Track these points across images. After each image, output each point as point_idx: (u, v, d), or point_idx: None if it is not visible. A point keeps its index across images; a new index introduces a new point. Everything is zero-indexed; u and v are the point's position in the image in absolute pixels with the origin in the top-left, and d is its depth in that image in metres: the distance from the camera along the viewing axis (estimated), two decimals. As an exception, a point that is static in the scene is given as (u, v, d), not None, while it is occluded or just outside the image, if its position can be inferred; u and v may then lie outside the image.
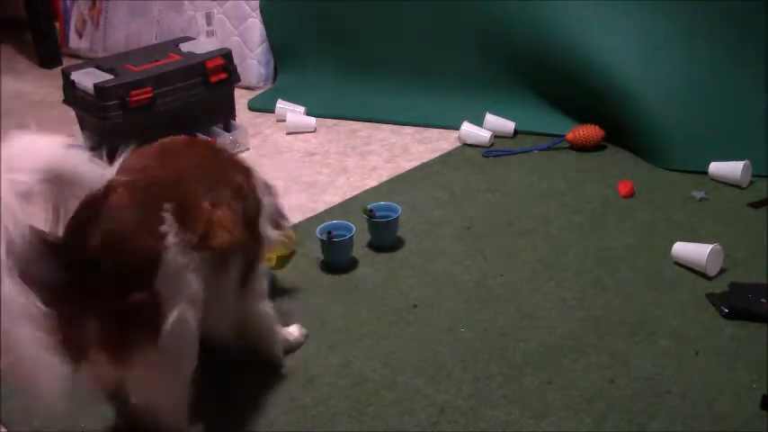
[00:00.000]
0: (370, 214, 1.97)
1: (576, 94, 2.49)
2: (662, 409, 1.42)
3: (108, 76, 2.37)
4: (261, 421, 1.44)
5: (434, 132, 2.64)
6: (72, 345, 1.15)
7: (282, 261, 1.92)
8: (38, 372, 1.08)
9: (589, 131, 2.42)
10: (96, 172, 1.17)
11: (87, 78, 2.38)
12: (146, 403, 1.35)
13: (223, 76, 2.54)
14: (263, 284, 1.53)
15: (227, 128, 2.59)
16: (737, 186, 2.18)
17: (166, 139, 1.46)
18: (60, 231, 1.18)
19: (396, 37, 2.82)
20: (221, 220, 1.33)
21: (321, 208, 2.20)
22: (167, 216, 1.24)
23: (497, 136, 2.55)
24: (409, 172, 2.39)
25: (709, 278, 1.79)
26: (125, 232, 1.20)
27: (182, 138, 1.67)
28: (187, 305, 1.27)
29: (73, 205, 1.18)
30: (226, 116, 2.62)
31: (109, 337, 1.19)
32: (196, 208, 1.30)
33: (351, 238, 1.89)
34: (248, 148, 2.59)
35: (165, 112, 2.41)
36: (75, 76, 2.43)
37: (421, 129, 2.67)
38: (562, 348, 1.59)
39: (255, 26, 3.07)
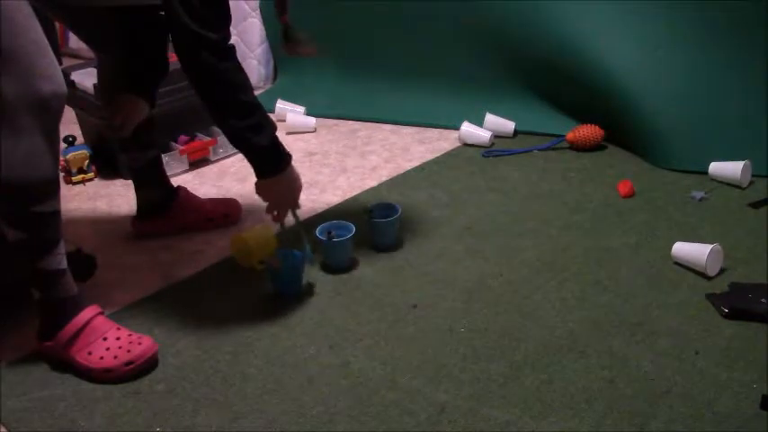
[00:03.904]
0: (370, 214, 1.97)
1: (576, 94, 2.49)
2: (662, 409, 1.42)
3: (108, 77, 2.37)
4: (260, 421, 1.44)
5: (434, 132, 2.65)
6: None
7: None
8: None
9: (589, 131, 2.43)
10: None
11: (87, 78, 2.38)
12: None
13: (223, 76, 2.54)
14: None
15: (227, 128, 2.59)
16: (737, 186, 2.18)
17: None
18: None
19: (396, 37, 2.82)
20: None
21: (321, 208, 2.20)
22: None
23: (497, 136, 2.55)
24: (409, 172, 2.39)
25: (709, 278, 1.79)
26: None
27: None
28: None
29: None
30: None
31: None
32: None
33: (351, 238, 1.89)
34: (248, 148, 2.59)
35: (165, 111, 2.40)
36: (75, 76, 2.43)
37: (421, 129, 2.68)
38: (562, 348, 1.59)
39: (255, 26, 3.07)
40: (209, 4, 1.56)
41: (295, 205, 1.84)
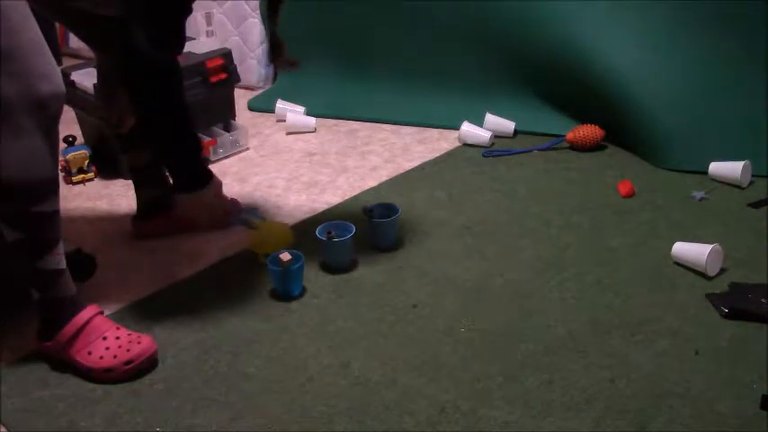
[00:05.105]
0: (370, 214, 1.97)
1: (576, 94, 2.49)
2: (662, 409, 1.42)
3: (108, 76, 2.37)
4: (260, 421, 1.44)
5: (434, 132, 2.64)
6: None
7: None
8: None
9: (589, 131, 2.43)
10: None
11: (87, 78, 2.38)
12: None
13: (223, 76, 2.54)
14: None
15: (227, 128, 2.59)
16: (737, 186, 2.18)
17: None
18: None
19: (396, 37, 2.82)
20: None
21: (321, 208, 2.20)
22: None
23: (497, 136, 2.55)
24: (409, 172, 2.39)
25: (709, 278, 1.79)
26: None
27: None
28: None
29: None
30: (226, 116, 2.62)
31: None
32: None
33: (351, 238, 1.89)
34: (248, 148, 2.59)
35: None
36: (75, 76, 2.44)
37: (421, 129, 2.68)
38: (562, 348, 1.59)
39: (255, 26, 3.07)
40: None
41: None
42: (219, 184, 2.02)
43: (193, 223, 2.04)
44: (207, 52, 2.55)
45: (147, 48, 1.70)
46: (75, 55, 3.43)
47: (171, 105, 1.85)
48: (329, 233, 1.89)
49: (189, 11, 1.76)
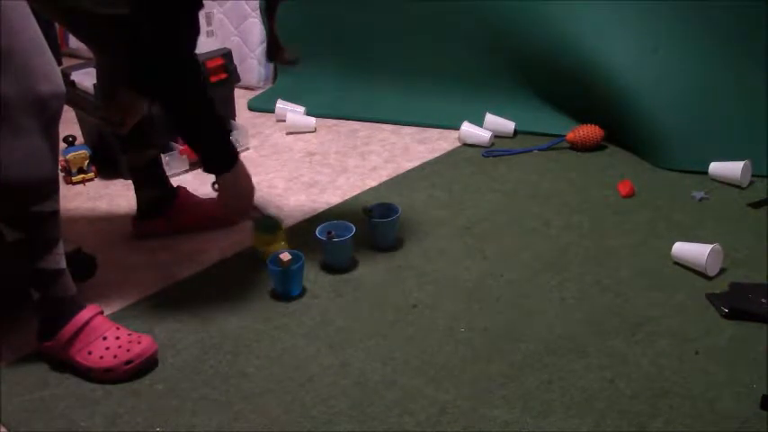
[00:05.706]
0: (370, 214, 1.97)
1: (575, 94, 2.49)
2: (662, 409, 1.42)
3: (108, 76, 2.37)
4: (260, 421, 1.44)
5: (434, 132, 2.64)
6: None
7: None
8: None
9: (589, 131, 2.43)
10: None
11: (87, 78, 2.38)
12: None
13: (223, 76, 2.54)
14: None
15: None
16: (737, 186, 2.18)
17: None
18: None
19: (396, 37, 2.82)
20: None
21: (321, 208, 2.20)
22: None
23: (497, 136, 2.55)
24: (409, 172, 2.39)
25: (709, 278, 1.79)
26: None
27: None
28: None
29: None
30: (225, 116, 2.62)
31: None
32: None
33: (351, 238, 1.89)
34: (248, 148, 2.59)
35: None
36: (75, 76, 2.44)
37: (421, 129, 2.68)
38: (562, 348, 1.59)
39: (255, 26, 3.07)
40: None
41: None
42: (249, 177, 1.94)
43: (226, 207, 1.95)
44: (207, 52, 2.55)
45: (161, 45, 1.67)
46: (75, 55, 3.43)
47: (193, 98, 1.80)
48: (329, 233, 1.89)
49: (200, 5, 1.74)
